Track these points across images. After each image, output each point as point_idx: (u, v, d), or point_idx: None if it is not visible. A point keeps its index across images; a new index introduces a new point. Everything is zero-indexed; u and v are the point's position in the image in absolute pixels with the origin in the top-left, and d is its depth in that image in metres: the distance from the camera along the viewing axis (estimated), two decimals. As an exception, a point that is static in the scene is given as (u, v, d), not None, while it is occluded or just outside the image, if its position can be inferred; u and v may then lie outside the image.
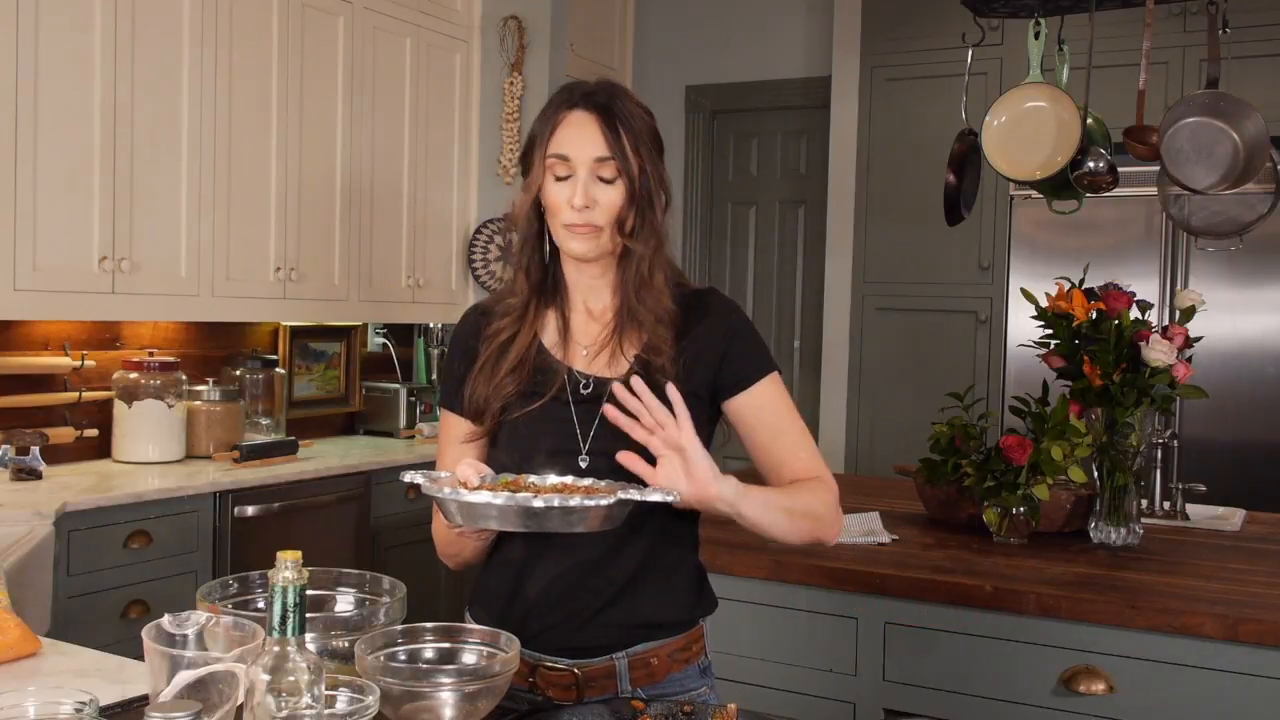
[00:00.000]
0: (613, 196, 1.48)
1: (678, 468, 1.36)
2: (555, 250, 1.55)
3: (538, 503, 1.28)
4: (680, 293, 1.56)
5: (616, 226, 1.48)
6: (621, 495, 1.32)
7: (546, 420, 1.50)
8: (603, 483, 1.41)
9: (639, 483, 1.38)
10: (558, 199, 1.48)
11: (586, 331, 1.56)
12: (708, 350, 1.53)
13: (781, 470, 1.55)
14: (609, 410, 1.40)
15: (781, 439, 1.54)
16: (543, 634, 1.51)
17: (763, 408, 1.54)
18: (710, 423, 1.56)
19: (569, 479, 1.43)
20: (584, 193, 1.46)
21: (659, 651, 1.52)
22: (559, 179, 1.49)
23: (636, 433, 1.37)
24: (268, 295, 3.69)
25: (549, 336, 1.56)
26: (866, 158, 4.85)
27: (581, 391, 1.51)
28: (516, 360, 1.52)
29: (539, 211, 1.53)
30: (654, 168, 1.50)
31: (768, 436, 1.54)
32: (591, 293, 1.57)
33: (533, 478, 1.43)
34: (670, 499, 1.33)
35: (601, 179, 1.47)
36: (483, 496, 1.30)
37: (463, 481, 1.38)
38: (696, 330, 1.53)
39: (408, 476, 1.39)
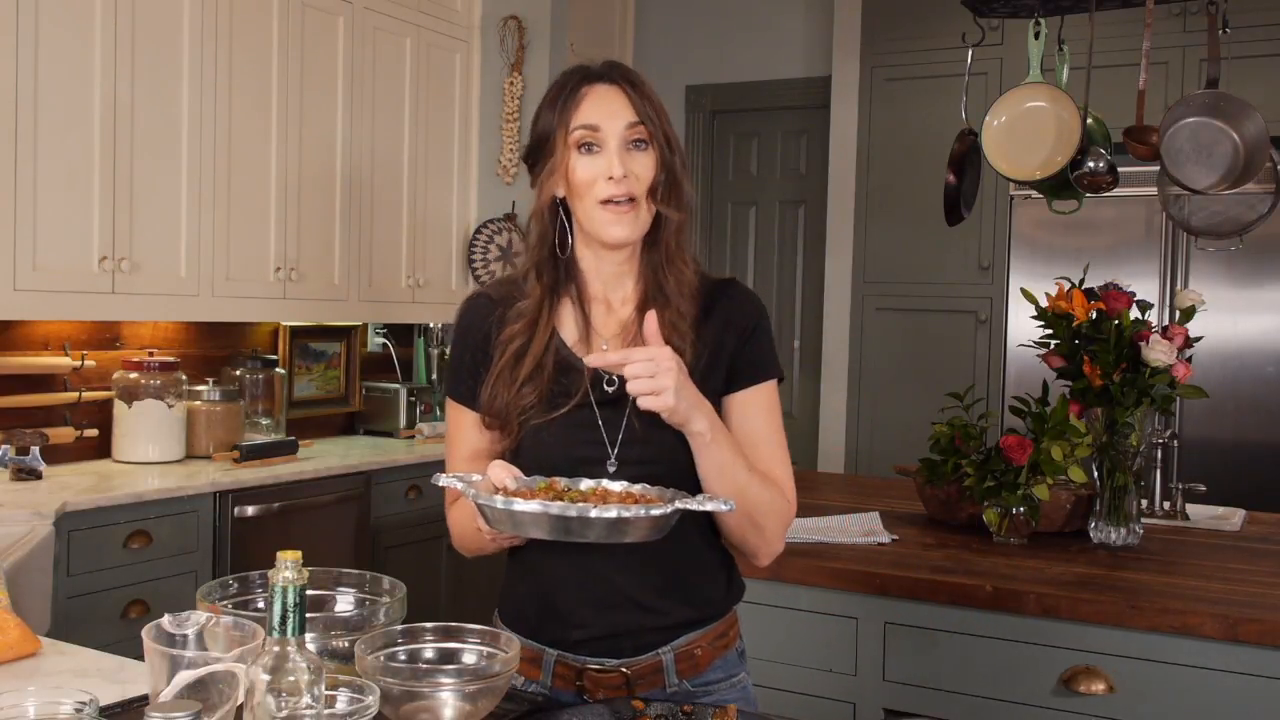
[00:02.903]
0: (646, 164, 1.43)
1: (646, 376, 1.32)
2: (569, 243, 1.50)
3: (592, 513, 1.23)
4: (702, 279, 1.52)
5: (650, 195, 1.44)
6: (679, 504, 1.27)
7: (570, 426, 1.45)
8: (637, 488, 1.37)
9: (678, 488, 1.35)
10: (590, 173, 1.43)
11: (606, 325, 1.51)
12: (725, 346, 1.49)
13: None
14: (593, 361, 1.38)
15: (760, 447, 1.50)
16: (585, 640, 1.48)
17: (751, 409, 1.51)
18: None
19: (604, 483, 1.39)
20: (620, 162, 1.42)
21: (700, 641, 1.50)
22: (587, 154, 1.43)
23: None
24: (268, 295, 3.69)
25: (569, 333, 1.50)
26: (866, 158, 4.85)
27: (605, 390, 1.46)
28: (533, 367, 1.46)
29: (555, 203, 1.48)
30: (674, 138, 1.46)
31: (748, 443, 1.49)
32: (612, 282, 1.51)
33: (564, 481, 1.38)
34: (725, 508, 1.28)
35: (633, 147, 1.43)
36: (533, 506, 1.24)
37: (500, 487, 1.33)
38: (718, 323, 1.50)
39: (442, 480, 1.33)
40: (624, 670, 1.47)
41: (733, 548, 1.56)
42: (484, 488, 1.33)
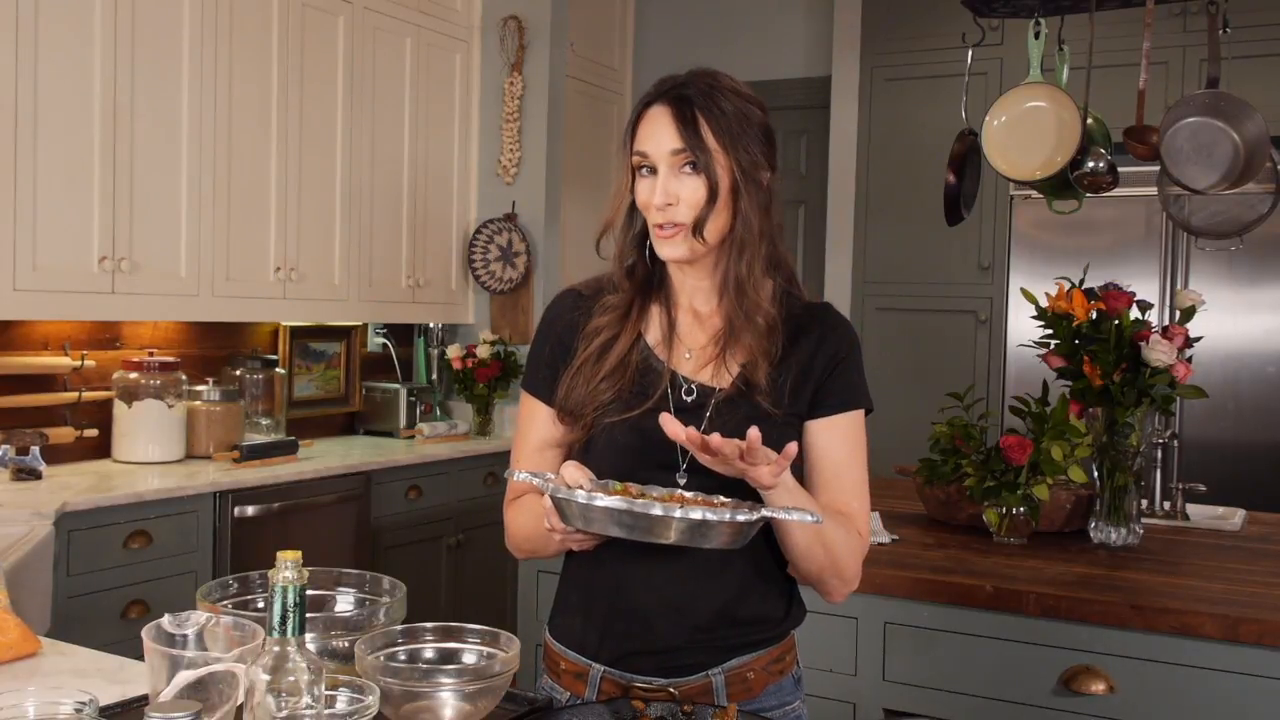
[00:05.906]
0: (695, 190, 1.40)
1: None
2: (639, 254, 1.50)
3: (676, 513, 1.20)
4: (792, 303, 1.49)
5: (695, 226, 1.40)
6: (765, 513, 1.24)
7: (644, 429, 1.40)
8: (715, 498, 1.34)
9: (742, 497, 1.32)
10: (644, 197, 1.43)
11: (692, 333, 1.49)
12: (812, 372, 1.46)
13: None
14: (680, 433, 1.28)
15: (841, 479, 1.46)
16: (636, 654, 1.45)
17: (836, 439, 1.47)
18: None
19: (678, 491, 1.36)
20: (663, 190, 1.40)
21: (754, 664, 1.47)
22: (643, 177, 1.43)
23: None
24: (268, 295, 3.69)
25: (653, 334, 1.49)
26: (866, 158, 4.85)
27: (684, 398, 1.44)
28: (616, 363, 1.45)
29: (631, 214, 1.48)
30: (744, 158, 1.41)
31: (829, 470, 1.46)
32: (697, 294, 1.50)
33: (638, 487, 1.35)
34: (811, 519, 1.25)
35: (682, 172, 1.40)
36: (615, 502, 1.21)
37: (572, 486, 1.30)
38: (806, 349, 1.47)
39: (517, 476, 1.30)
40: (672, 690, 1.43)
41: (807, 583, 1.52)
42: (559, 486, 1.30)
